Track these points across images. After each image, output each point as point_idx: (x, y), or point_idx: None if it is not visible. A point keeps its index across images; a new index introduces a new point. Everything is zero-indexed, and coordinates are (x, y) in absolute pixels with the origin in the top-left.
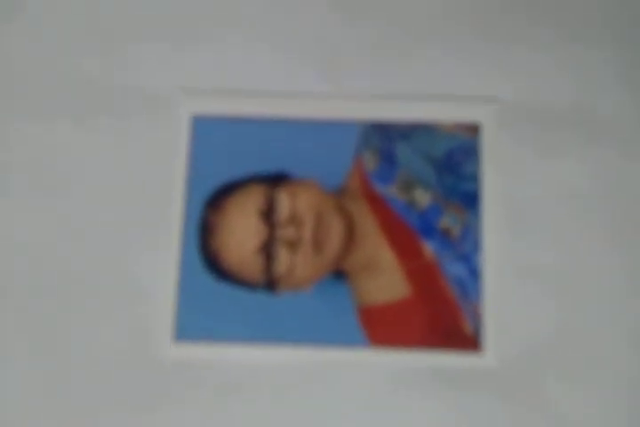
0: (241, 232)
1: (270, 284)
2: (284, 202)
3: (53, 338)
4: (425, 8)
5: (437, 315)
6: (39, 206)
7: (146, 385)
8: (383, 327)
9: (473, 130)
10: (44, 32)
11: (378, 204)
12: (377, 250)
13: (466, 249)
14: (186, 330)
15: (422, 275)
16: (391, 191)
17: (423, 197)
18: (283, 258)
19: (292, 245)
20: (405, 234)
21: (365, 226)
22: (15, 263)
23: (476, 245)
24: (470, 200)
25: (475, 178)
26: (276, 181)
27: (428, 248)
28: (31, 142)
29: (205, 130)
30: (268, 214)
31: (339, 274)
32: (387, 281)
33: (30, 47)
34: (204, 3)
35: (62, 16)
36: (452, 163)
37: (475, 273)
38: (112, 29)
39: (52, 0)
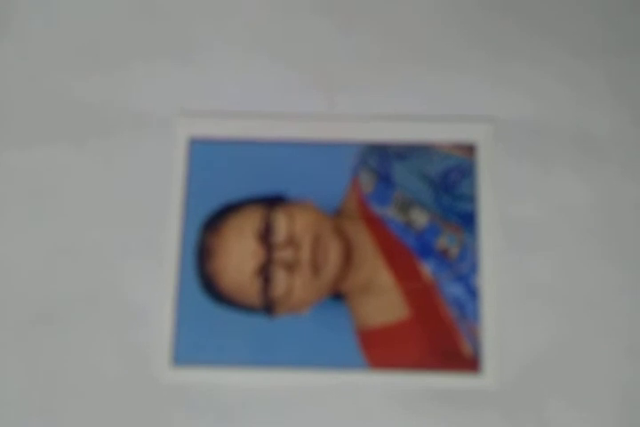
0: (238, 254)
1: (268, 306)
2: (282, 224)
3: (50, 362)
4: (422, 30)
5: (436, 336)
6: (34, 230)
7: (144, 409)
8: (382, 349)
9: (469, 150)
10: (37, 55)
11: (375, 225)
12: (375, 271)
13: (464, 269)
14: (183, 354)
15: (420, 296)
16: (388, 212)
17: (420, 218)
18: (280, 280)
19: (290, 267)
20: (403, 255)
21: (363, 247)
22: (11, 289)
23: (473, 266)
24: (467, 220)
25: (471, 197)
26: (273, 202)
27: (426, 269)
28: (27, 166)
29: (202, 152)
30: (266, 236)
31: (337, 296)
32: (385, 303)
33: (23, 70)
34: (199, 25)
35: (58, 38)
36: (449, 183)
37: (473, 293)
38: (108, 51)
39: (44, 23)
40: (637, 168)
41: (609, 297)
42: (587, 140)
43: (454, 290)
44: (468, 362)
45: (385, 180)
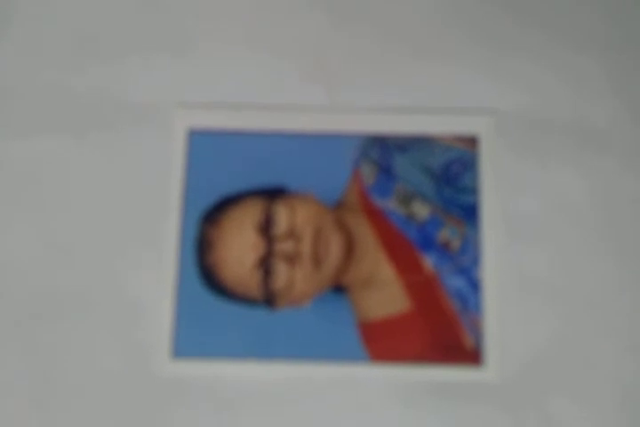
0: (238, 247)
1: (269, 299)
2: (282, 216)
3: (50, 356)
4: (423, 21)
5: (438, 329)
6: (32, 223)
7: (144, 402)
8: (383, 342)
9: (471, 142)
10: (36, 47)
11: (377, 217)
12: (376, 264)
13: (465, 262)
14: (183, 347)
15: (422, 289)
16: (390, 204)
17: (422, 210)
18: (281, 273)
19: (291, 259)
20: (405, 247)
21: (364, 240)
22: (9, 281)
23: (475, 258)
24: (469, 212)
25: (473, 190)
26: (273, 194)
27: (428, 261)
28: (24, 158)
29: (201, 143)
30: (266, 229)
31: (338, 289)
32: (386, 295)
33: (21, 63)
34: (198, 16)
35: (55, 32)
36: (451, 175)
37: (475, 286)
38: (107, 44)
39: (43, 15)
40: (638, 162)
41: (610, 290)
42: (587, 134)
43: (456, 283)
44: (470, 355)
45: (386, 172)
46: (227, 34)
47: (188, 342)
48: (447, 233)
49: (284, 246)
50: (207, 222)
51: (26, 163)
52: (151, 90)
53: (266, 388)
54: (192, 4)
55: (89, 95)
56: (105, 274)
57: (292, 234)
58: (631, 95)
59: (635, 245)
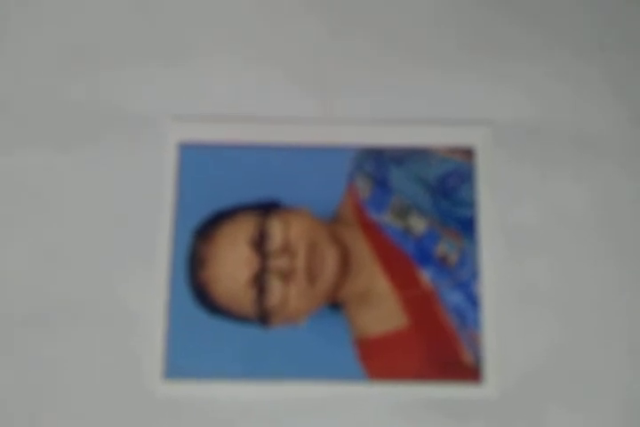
0: (231, 263)
1: (263, 317)
2: (276, 231)
3: (39, 375)
4: (418, 32)
5: (436, 345)
6: (23, 238)
7: (136, 424)
8: (381, 359)
9: (467, 153)
10: (28, 58)
11: (372, 231)
12: (373, 279)
13: (463, 276)
14: (176, 367)
15: (419, 304)
16: (386, 218)
17: (419, 224)
18: (275, 290)
19: (285, 275)
20: (401, 262)
21: (360, 255)
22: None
23: (473, 272)
24: (467, 225)
25: (471, 202)
26: (267, 209)
27: (425, 276)
28: (15, 170)
29: (193, 157)
30: (260, 244)
31: (334, 305)
32: (383, 311)
33: (12, 73)
34: (190, 28)
35: (46, 41)
36: (448, 187)
37: (473, 301)
38: (97, 55)
39: (35, 25)
40: (639, 171)
41: (610, 304)
42: (586, 143)
43: (454, 298)
44: (469, 371)
45: (382, 185)
46: (219, 45)
47: (181, 362)
48: (444, 247)
49: (278, 262)
50: (200, 238)
51: (15, 174)
52: (143, 102)
53: (261, 408)
54: (186, 15)
55: (79, 107)
56: (96, 291)
57: (287, 249)
58: (633, 102)
59: (636, 257)
